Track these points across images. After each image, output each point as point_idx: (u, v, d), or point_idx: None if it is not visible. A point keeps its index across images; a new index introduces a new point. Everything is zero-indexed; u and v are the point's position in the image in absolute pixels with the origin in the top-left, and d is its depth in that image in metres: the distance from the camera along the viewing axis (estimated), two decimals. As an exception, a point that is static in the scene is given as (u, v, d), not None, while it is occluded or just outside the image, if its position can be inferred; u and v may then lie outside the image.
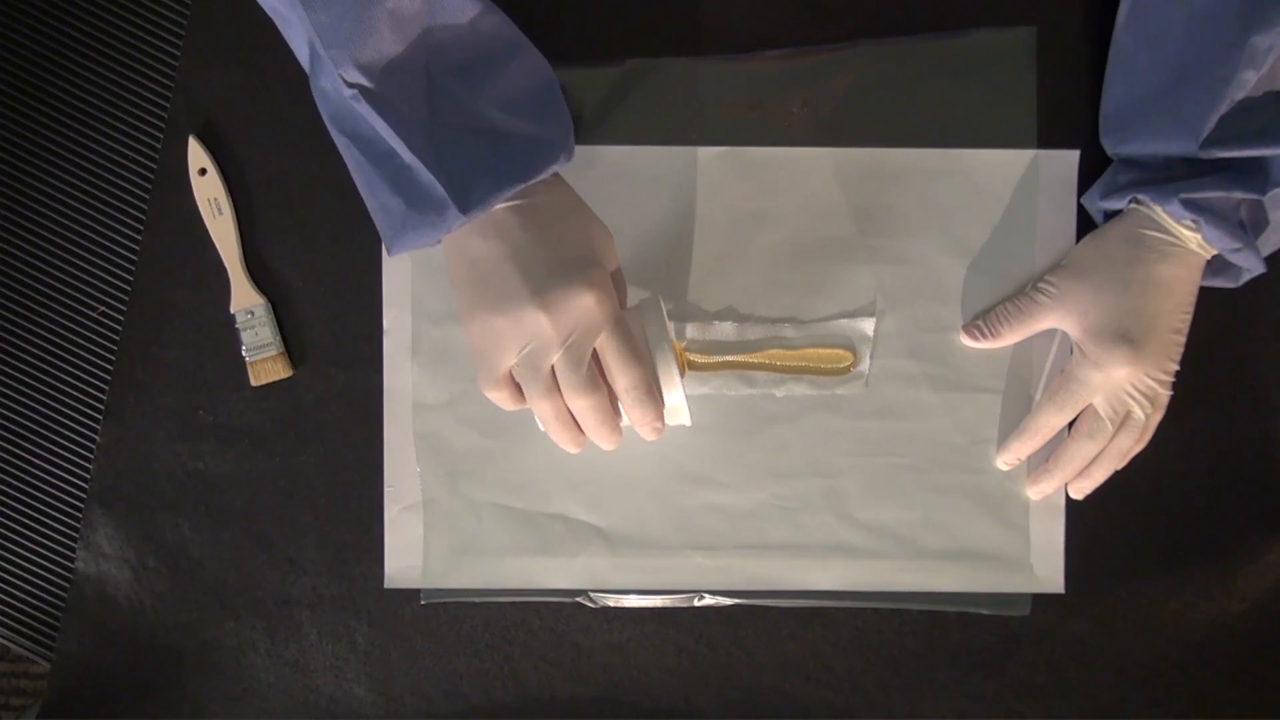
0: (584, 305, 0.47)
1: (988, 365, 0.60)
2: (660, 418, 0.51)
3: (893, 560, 0.60)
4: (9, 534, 0.62)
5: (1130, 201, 0.56)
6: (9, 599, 0.63)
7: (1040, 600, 0.61)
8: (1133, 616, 0.61)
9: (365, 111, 0.46)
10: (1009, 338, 0.59)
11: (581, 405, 0.48)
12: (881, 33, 0.60)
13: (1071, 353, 0.58)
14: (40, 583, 0.63)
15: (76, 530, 0.62)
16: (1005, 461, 0.59)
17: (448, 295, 0.60)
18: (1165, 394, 0.56)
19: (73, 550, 0.62)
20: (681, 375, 0.52)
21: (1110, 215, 0.58)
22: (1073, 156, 0.60)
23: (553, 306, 0.46)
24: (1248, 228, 0.55)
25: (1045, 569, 0.60)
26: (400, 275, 0.60)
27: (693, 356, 0.60)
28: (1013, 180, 0.60)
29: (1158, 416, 0.57)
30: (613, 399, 0.50)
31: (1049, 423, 0.58)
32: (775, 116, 0.60)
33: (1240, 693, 0.61)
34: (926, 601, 0.60)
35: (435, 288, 0.60)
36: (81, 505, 0.62)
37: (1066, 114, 0.60)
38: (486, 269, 0.48)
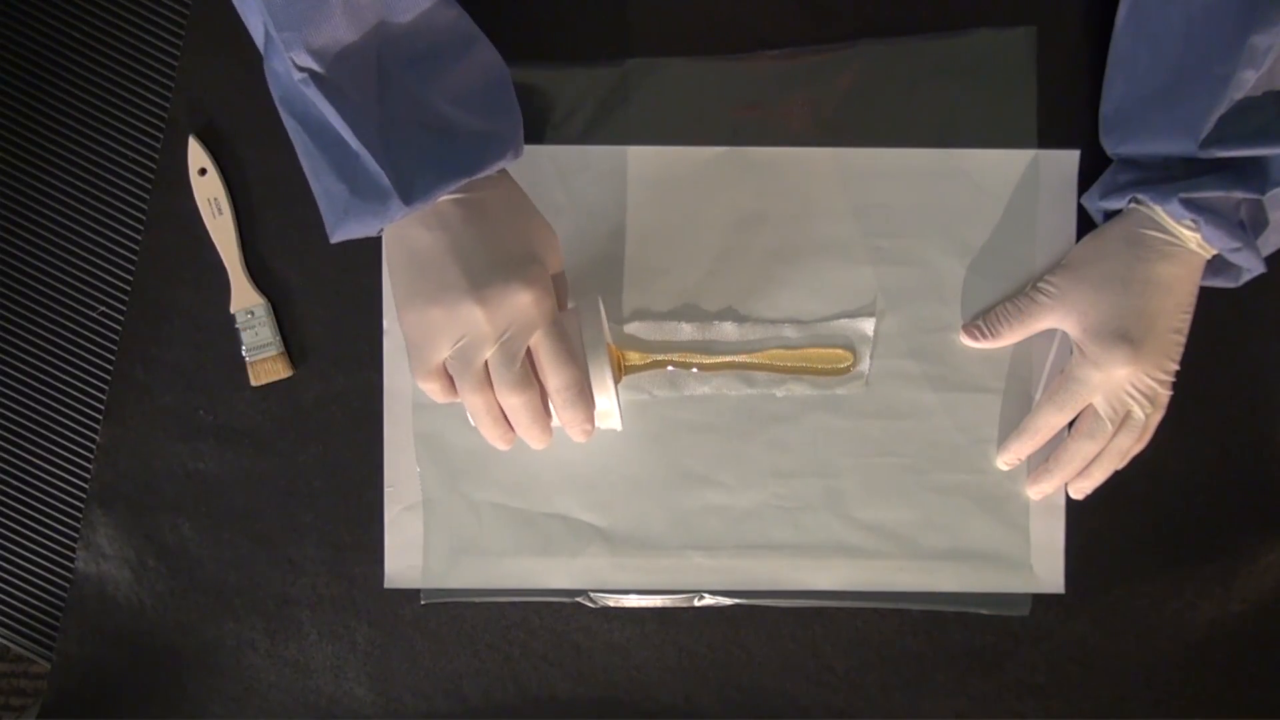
0: (520, 302, 0.47)
1: (987, 365, 0.60)
2: (590, 420, 0.51)
3: (893, 560, 0.60)
4: (9, 534, 0.62)
5: (1130, 201, 0.56)
6: (9, 599, 0.63)
7: (1040, 600, 0.61)
8: (1133, 616, 0.61)
9: (314, 96, 0.46)
10: (1009, 338, 0.59)
11: (513, 402, 0.49)
12: (881, 33, 0.60)
13: (1071, 353, 0.58)
14: (40, 583, 0.63)
15: (76, 530, 0.62)
16: (1005, 462, 0.59)
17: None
18: (1165, 394, 0.56)
19: (73, 550, 0.62)
20: (616, 380, 0.52)
21: (1110, 215, 0.58)
22: (1073, 156, 0.60)
23: (489, 301, 0.47)
24: (1247, 227, 0.55)
25: (1045, 569, 0.60)
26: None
27: (692, 358, 0.60)
28: (1013, 180, 0.60)
29: (1158, 416, 0.57)
30: (545, 398, 0.50)
31: (1049, 423, 0.58)
32: (775, 116, 0.60)
33: (1240, 693, 0.61)
34: (926, 601, 0.60)
35: None
36: (81, 505, 0.62)
37: (1066, 114, 0.60)
38: (426, 260, 0.47)
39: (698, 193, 0.60)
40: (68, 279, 0.62)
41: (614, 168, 0.60)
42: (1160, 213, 0.54)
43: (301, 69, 0.45)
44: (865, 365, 0.60)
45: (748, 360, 0.60)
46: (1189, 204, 0.53)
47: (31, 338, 0.62)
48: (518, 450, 0.60)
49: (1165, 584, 0.61)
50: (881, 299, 0.60)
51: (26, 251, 0.62)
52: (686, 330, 0.60)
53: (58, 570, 0.63)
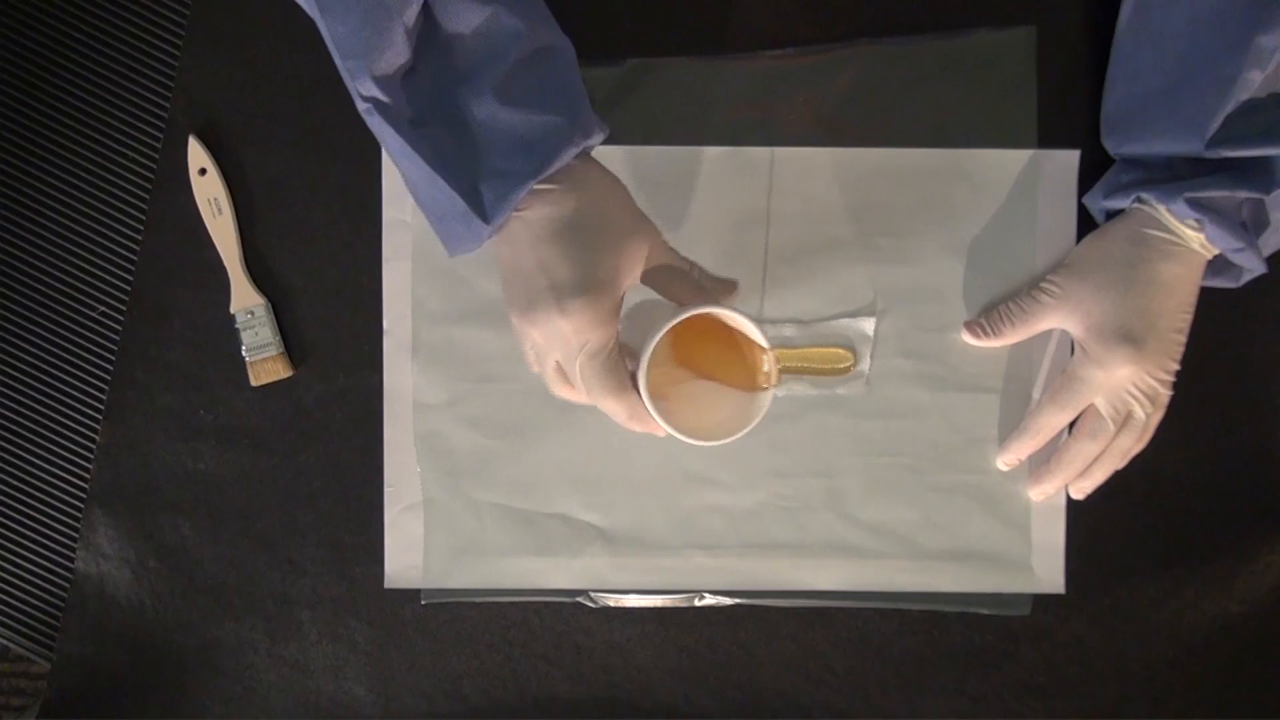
0: (559, 330, 0.47)
1: (987, 365, 0.60)
2: (651, 431, 0.51)
3: (893, 560, 0.60)
4: (9, 534, 0.62)
5: (1134, 201, 0.56)
6: (9, 599, 0.63)
7: (1040, 600, 0.61)
8: (1133, 616, 0.61)
9: (376, 126, 0.45)
10: (1010, 337, 0.59)
11: (603, 408, 0.50)
12: (882, 33, 0.60)
13: (1072, 352, 0.58)
14: (40, 583, 0.63)
15: (76, 530, 0.62)
16: (1005, 462, 0.59)
17: (448, 295, 0.60)
18: (1166, 394, 0.56)
19: (73, 550, 0.62)
20: (656, 402, 0.50)
21: (1111, 215, 0.58)
22: (1073, 156, 0.60)
23: (538, 324, 0.48)
24: (1249, 228, 0.55)
25: (1045, 569, 0.60)
26: (400, 275, 0.60)
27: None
28: (1013, 180, 0.60)
29: (1158, 416, 0.57)
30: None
31: (1050, 422, 0.58)
32: (776, 116, 0.60)
33: (1240, 693, 0.61)
34: (926, 601, 0.60)
35: (435, 288, 0.60)
36: (81, 505, 0.62)
37: (1066, 114, 0.60)
38: (504, 275, 0.49)
39: (698, 193, 0.60)
40: (68, 279, 0.62)
41: (614, 168, 0.60)
42: (1164, 212, 0.54)
43: (367, 98, 0.44)
44: (865, 365, 0.60)
45: None
46: (1194, 204, 0.53)
47: (31, 338, 0.62)
48: (518, 450, 0.60)
49: (1165, 584, 0.61)
50: (881, 299, 0.60)
51: (27, 251, 0.62)
52: None
53: (58, 570, 0.63)
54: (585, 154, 0.49)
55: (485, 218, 0.46)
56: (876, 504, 0.60)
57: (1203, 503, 0.61)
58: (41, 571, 0.63)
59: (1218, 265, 0.57)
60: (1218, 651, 0.61)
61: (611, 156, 0.60)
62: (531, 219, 0.47)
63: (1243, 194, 0.53)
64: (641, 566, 0.60)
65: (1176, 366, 0.56)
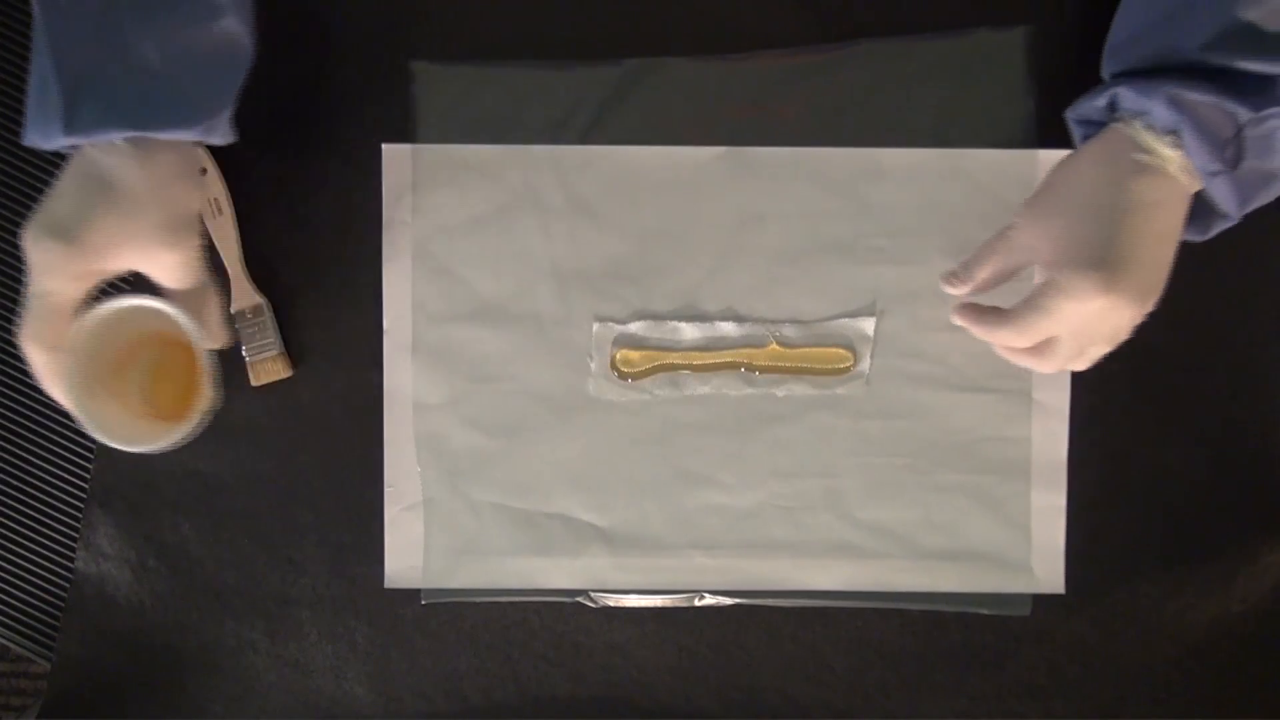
0: (47, 259, 0.48)
1: (987, 365, 0.60)
2: (55, 396, 0.52)
3: (893, 560, 0.60)
4: (9, 534, 0.62)
5: (1109, 106, 0.51)
6: (9, 599, 0.63)
7: (1040, 600, 0.61)
8: (1133, 616, 0.61)
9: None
10: (985, 278, 0.55)
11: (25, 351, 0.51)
12: (881, 33, 0.60)
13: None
14: (40, 583, 0.63)
15: (76, 530, 0.62)
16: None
17: (448, 295, 0.60)
18: (1124, 336, 0.52)
19: (73, 550, 0.62)
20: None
21: (1089, 137, 0.54)
22: (1073, 156, 0.60)
23: (28, 241, 0.48)
24: (1239, 157, 0.49)
25: (1045, 569, 0.60)
26: (400, 275, 0.60)
27: (693, 358, 0.60)
28: (1013, 180, 0.60)
29: (1104, 350, 0.53)
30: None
31: (1010, 340, 0.53)
32: (775, 116, 0.60)
33: (1240, 693, 0.61)
34: (926, 601, 0.60)
35: (435, 288, 0.60)
36: (81, 505, 0.62)
37: (1065, 106, 0.60)
38: (65, 186, 0.49)
39: (698, 193, 0.60)
40: (68, 279, 0.62)
41: (614, 168, 0.60)
42: (1140, 131, 0.49)
43: None
44: (865, 365, 0.60)
45: (748, 360, 0.60)
46: (1175, 105, 0.48)
47: (31, 338, 0.62)
48: (518, 450, 0.60)
49: (1165, 584, 0.61)
50: (881, 299, 0.60)
51: (26, 251, 0.62)
52: (687, 331, 0.60)
53: (58, 570, 0.63)
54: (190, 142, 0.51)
55: (67, 127, 0.47)
56: (876, 504, 0.60)
57: (1203, 503, 0.61)
58: (41, 571, 0.63)
59: (1190, 211, 0.52)
60: (1218, 651, 0.61)
61: (611, 157, 0.60)
62: (98, 155, 0.48)
63: (1230, 104, 0.47)
64: (641, 566, 0.60)
65: (1152, 306, 0.50)
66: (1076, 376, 0.60)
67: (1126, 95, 0.50)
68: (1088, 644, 0.61)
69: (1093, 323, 0.51)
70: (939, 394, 0.60)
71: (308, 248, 0.61)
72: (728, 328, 0.60)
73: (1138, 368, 0.60)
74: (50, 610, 0.63)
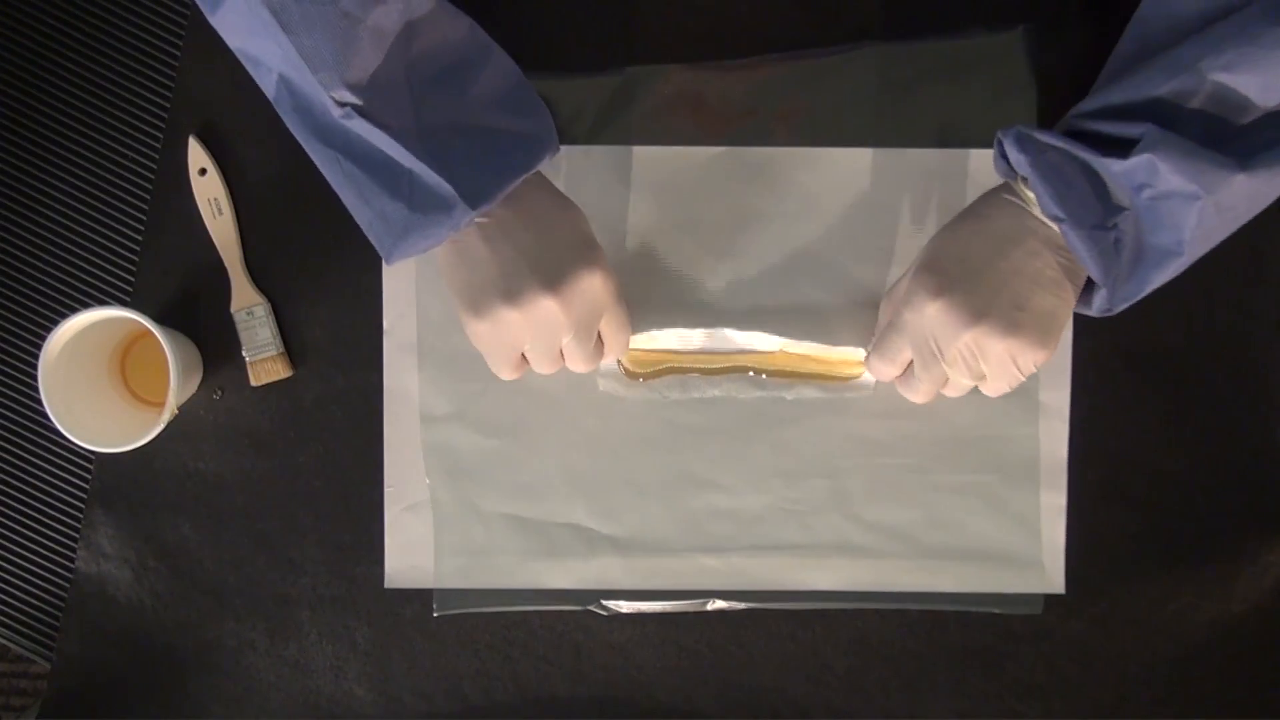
0: (592, 288, 0.50)
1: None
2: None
3: (903, 560, 0.60)
4: (9, 534, 0.62)
5: (999, 155, 0.49)
6: (9, 599, 0.63)
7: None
8: (1133, 616, 0.61)
9: (360, 128, 0.46)
10: (885, 314, 0.55)
11: (581, 369, 0.54)
12: (881, 36, 0.60)
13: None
14: (40, 583, 0.63)
15: (76, 530, 0.62)
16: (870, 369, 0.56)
17: (452, 306, 0.60)
18: (1003, 363, 0.49)
19: (73, 550, 0.62)
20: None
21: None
22: (1073, 156, 0.60)
23: (564, 294, 0.49)
24: (1100, 223, 0.47)
25: (1047, 568, 0.60)
26: (402, 276, 0.60)
27: (701, 361, 0.60)
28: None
29: (997, 387, 0.51)
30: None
31: (880, 371, 0.55)
32: (776, 120, 0.60)
33: (1240, 693, 0.61)
34: (935, 602, 0.60)
35: (440, 298, 0.60)
36: (82, 505, 0.62)
37: (1065, 106, 0.60)
38: (491, 266, 0.49)
39: (700, 193, 0.60)
40: (68, 279, 0.62)
41: (617, 168, 0.60)
42: (1014, 178, 0.49)
43: (342, 104, 0.45)
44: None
45: (757, 364, 0.60)
46: (1022, 143, 0.46)
47: (32, 337, 0.62)
48: (526, 458, 0.60)
49: (1165, 584, 0.61)
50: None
51: (27, 252, 0.62)
52: (695, 336, 0.59)
53: (58, 570, 0.63)
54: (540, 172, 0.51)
55: (471, 203, 0.46)
56: (883, 505, 0.60)
57: (1203, 503, 0.61)
58: (41, 571, 0.63)
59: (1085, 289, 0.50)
60: (1218, 651, 0.61)
61: (614, 156, 0.60)
62: (515, 203, 0.49)
63: (1080, 151, 0.46)
64: (650, 570, 0.60)
65: (1005, 340, 0.48)
66: (1077, 376, 0.60)
67: (1000, 141, 0.49)
68: (1088, 644, 0.61)
69: (933, 335, 0.50)
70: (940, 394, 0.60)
71: (308, 248, 0.61)
72: (735, 331, 0.59)
73: (1138, 368, 0.60)
74: (50, 610, 0.63)
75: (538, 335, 0.50)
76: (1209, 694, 0.61)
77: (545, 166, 0.50)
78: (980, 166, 0.60)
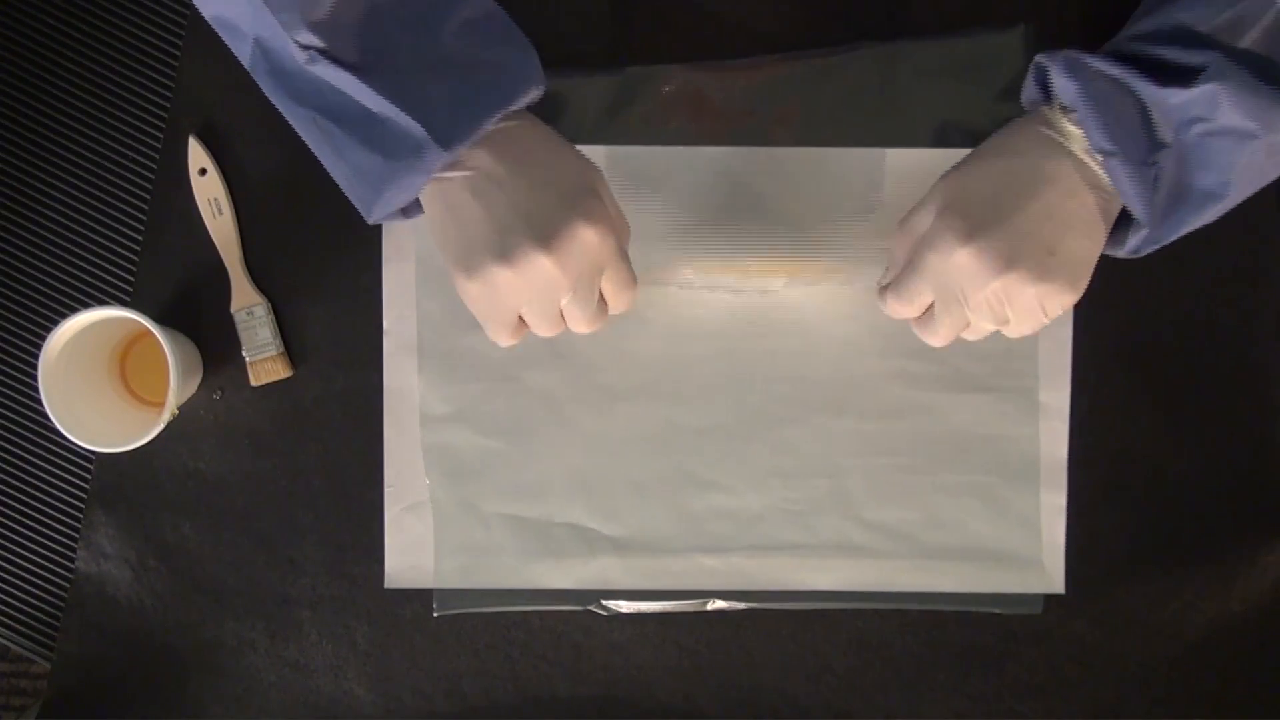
0: (589, 242, 0.45)
1: (988, 365, 0.60)
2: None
3: (903, 560, 0.60)
4: (9, 534, 0.62)
5: (1033, 77, 0.48)
6: (9, 599, 0.63)
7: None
8: (1133, 616, 0.61)
9: (324, 72, 0.44)
10: (901, 249, 0.51)
11: (583, 330, 0.49)
12: (881, 36, 0.60)
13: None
14: (40, 583, 0.63)
15: (76, 530, 0.62)
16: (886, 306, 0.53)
17: (451, 298, 0.60)
18: (1030, 310, 0.46)
19: (73, 550, 0.62)
20: None
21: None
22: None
23: (558, 249, 0.44)
24: (1148, 155, 0.45)
25: (1047, 568, 0.60)
26: (402, 275, 0.60)
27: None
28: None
29: (1022, 328, 0.48)
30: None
31: (897, 311, 0.51)
32: (776, 121, 0.60)
33: (1240, 693, 0.61)
34: (935, 602, 0.60)
35: (439, 292, 0.60)
36: (82, 505, 0.62)
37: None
38: (478, 220, 0.45)
39: (699, 193, 0.60)
40: (68, 279, 0.62)
41: (614, 168, 0.60)
42: (1052, 110, 0.47)
43: (306, 47, 0.43)
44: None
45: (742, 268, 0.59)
46: (1073, 70, 0.44)
47: (32, 337, 0.62)
48: (526, 459, 0.60)
49: (1165, 584, 0.61)
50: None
51: (27, 251, 0.62)
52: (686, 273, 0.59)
53: (58, 570, 0.63)
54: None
55: (444, 143, 0.44)
56: (883, 505, 0.60)
57: (1203, 503, 0.61)
58: (41, 571, 0.63)
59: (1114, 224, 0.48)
60: (1218, 651, 0.61)
61: (612, 156, 0.60)
62: (504, 146, 0.45)
63: (1135, 81, 0.44)
64: (650, 570, 0.60)
65: (1033, 301, 0.46)
66: (1077, 376, 0.60)
67: (1043, 68, 0.47)
68: (1088, 644, 0.61)
69: (959, 282, 0.47)
70: (942, 394, 0.60)
71: (308, 248, 0.61)
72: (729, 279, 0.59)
73: (1138, 368, 0.60)
74: (50, 610, 0.63)
75: (534, 295, 0.46)
76: (1209, 694, 0.61)
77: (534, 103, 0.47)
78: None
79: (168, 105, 0.61)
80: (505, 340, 0.49)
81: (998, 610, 0.60)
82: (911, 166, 0.60)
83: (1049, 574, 0.60)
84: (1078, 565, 0.60)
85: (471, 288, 0.46)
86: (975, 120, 0.60)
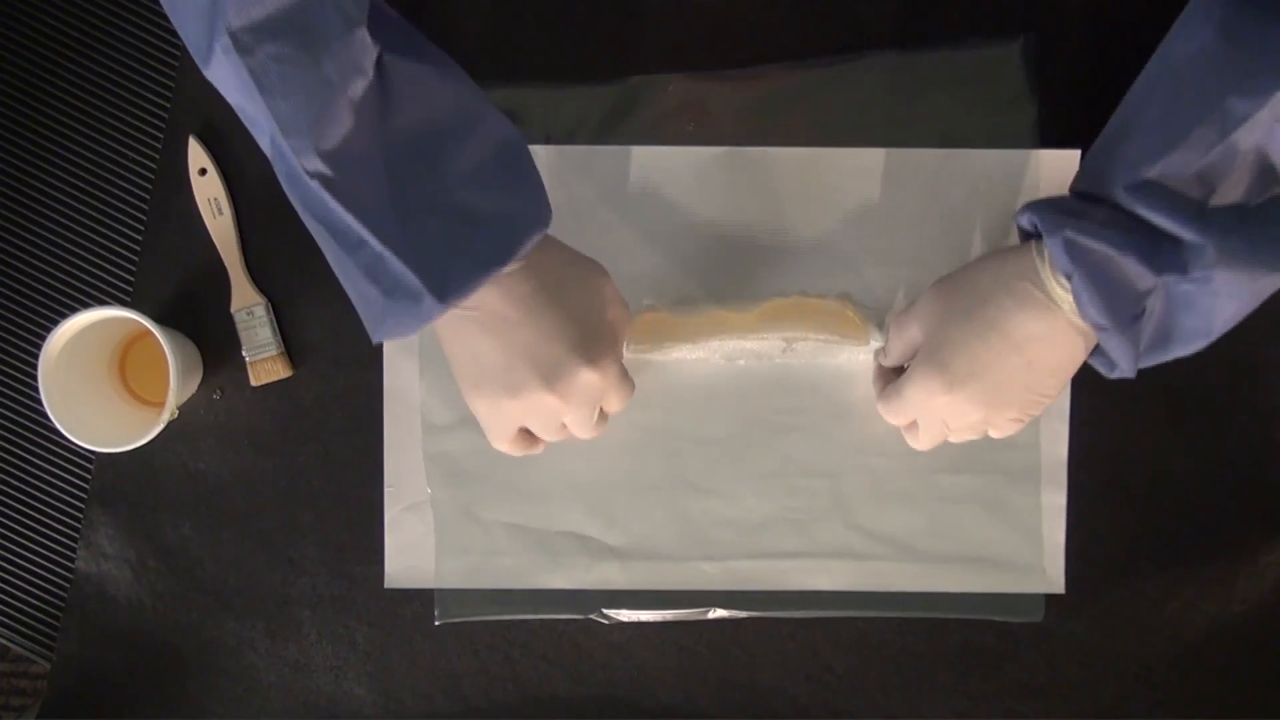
0: (590, 383, 0.48)
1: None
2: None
3: (903, 564, 0.60)
4: (9, 534, 0.62)
5: (1028, 221, 0.49)
6: (9, 599, 0.63)
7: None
8: (1133, 616, 0.61)
9: (328, 201, 0.43)
10: (894, 351, 0.56)
11: (585, 437, 0.52)
12: (882, 46, 0.60)
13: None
14: (40, 583, 0.63)
15: (76, 530, 0.62)
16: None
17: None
18: (1010, 428, 0.52)
19: (73, 550, 0.62)
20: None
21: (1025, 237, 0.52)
22: (1073, 156, 0.60)
23: (561, 390, 0.48)
24: (1141, 317, 0.47)
25: (1048, 569, 0.60)
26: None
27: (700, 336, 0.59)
28: (1013, 180, 0.60)
29: (1005, 434, 0.53)
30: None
31: (887, 419, 0.56)
32: (778, 130, 0.60)
33: (1240, 693, 0.61)
34: (938, 608, 0.60)
35: None
36: (82, 505, 0.62)
37: (1066, 123, 0.60)
38: (488, 359, 0.47)
39: (700, 193, 0.60)
40: (68, 279, 0.62)
41: (616, 168, 0.60)
42: (1041, 264, 0.48)
43: (313, 175, 0.43)
44: (877, 342, 0.58)
45: (747, 319, 0.59)
46: (1072, 249, 0.45)
47: (32, 337, 0.62)
48: (527, 468, 0.60)
49: (1165, 584, 0.61)
50: (883, 298, 0.60)
51: (27, 251, 0.62)
52: (708, 348, 0.59)
53: (58, 570, 0.63)
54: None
55: (440, 297, 0.44)
56: (884, 509, 0.60)
57: (1203, 503, 0.61)
58: (41, 571, 0.63)
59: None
60: (1218, 651, 0.61)
61: (613, 157, 0.60)
62: (512, 290, 0.46)
63: (1132, 264, 0.45)
64: (651, 577, 0.60)
65: (1013, 421, 0.51)
66: (1076, 376, 0.60)
67: (1037, 223, 0.48)
68: (1088, 644, 0.61)
69: (943, 414, 0.52)
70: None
71: (308, 248, 0.60)
72: (741, 339, 0.59)
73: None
74: (50, 610, 0.63)
75: (537, 418, 0.49)
76: (1209, 694, 0.61)
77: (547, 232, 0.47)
78: (980, 166, 0.59)
79: (168, 105, 0.61)
80: (506, 449, 0.52)
81: (998, 618, 0.60)
82: (912, 167, 0.60)
83: (1049, 574, 0.60)
84: (1078, 565, 0.60)
85: (479, 406, 0.50)
86: (977, 129, 0.60)
